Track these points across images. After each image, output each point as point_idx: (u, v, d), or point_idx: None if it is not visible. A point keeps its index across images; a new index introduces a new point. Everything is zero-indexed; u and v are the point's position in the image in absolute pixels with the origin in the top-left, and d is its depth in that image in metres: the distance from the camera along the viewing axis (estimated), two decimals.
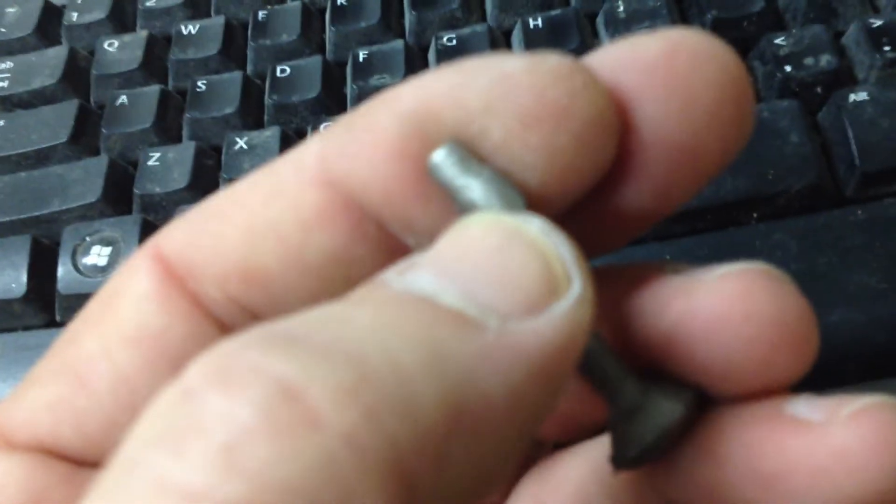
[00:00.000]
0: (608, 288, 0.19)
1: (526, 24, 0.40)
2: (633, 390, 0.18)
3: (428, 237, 0.18)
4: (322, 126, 0.39)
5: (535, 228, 0.16)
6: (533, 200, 0.18)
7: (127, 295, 0.20)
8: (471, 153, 0.17)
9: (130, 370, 0.19)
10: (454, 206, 0.18)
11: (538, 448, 0.25)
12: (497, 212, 0.17)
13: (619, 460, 0.18)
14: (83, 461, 0.20)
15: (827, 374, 0.33)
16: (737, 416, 0.18)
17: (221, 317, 0.20)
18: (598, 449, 0.22)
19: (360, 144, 0.18)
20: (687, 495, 0.19)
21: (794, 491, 0.17)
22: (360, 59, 0.41)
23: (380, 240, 0.19)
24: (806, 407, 0.18)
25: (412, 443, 0.13)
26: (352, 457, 0.13)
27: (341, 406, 0.13)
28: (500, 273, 0.16)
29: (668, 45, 0.18)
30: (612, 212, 0.19)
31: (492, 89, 0.17)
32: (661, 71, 0.18)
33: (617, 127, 0.18)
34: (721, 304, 0.18)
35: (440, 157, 0.17)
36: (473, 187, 0.17)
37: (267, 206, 0.19)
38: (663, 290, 0.19)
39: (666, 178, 0.18)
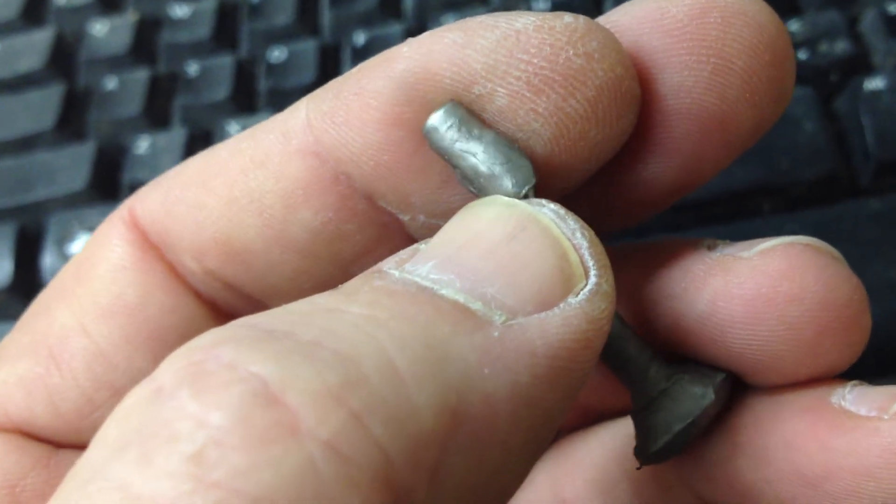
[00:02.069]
0: (634, 266, 0.18)
1: (529, 7, 0.39)
2: (658, 376, 0.17)
3: (424, 214, 0.17)
4: None
5: (550, 214, 0.15)
6: (541, 172, 0.16)
7: (101, 265, 0.19)
8: (472, 116, 0.16)
9: (107, 345, 0.18)
10: (455, 176, 0.16)
11: None
12: (509, 190, 0.16)
13: (644, 452, 0.17)
14: (59, 442, 0.19)
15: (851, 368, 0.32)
16: (775, 407, 0.17)
17: (201, 290, 0.19)
18: (621, 432, 0.21)
19: (349, 110, 0.16)
20: (718, 492, 0.18)
21: (838, 493, 0.16)
22: (359, 43, 0.40)
23: (370, 216, 0.18)
24: (854, 399, 0.16)
25: (404, 452, 0.12)
26: (335, 467, 0.11)
27: (324, 411, 0.12)
28: (509, 264, 0.14)
29: (699, 3, 0.16)
30: (631, 186, 0.18)
31: (498, 48, 0.15)
32: (689, 33, 0.16)
33: (637, 95, 0.16)
34: (763, 283, 0.16)
35: (437, 119, 0.16)
36: (476, 153, 0.16)
37: (248, 176, 0.17)
38: (697, 268, 0.17)
39: (693, 151, 0.17)
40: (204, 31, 0.42)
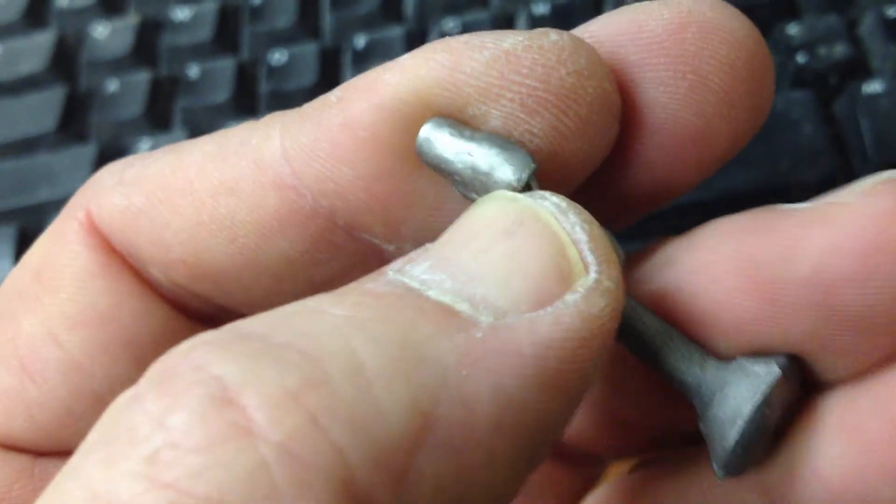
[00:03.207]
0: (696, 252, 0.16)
1: (529, 12, 0.39)
2: (715, 370, 0.16)
3: (412, 242, 0.17)
4: None
5: (551, 208, 0.14)
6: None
7: (66, 271, 0.18)
8: (461, 123, 0.15)
9: (82, 356, 0.18)
10: (454, 185, 0.16)
11: (593, 466, 0.22)
12: (510, 179, 0.15)
13: (720, 460, 0.16)
14: (41, 451, 0.18)
15: None
16: (864, 395, 0.15)
17: (171, 298, 0.19)
18: (686, 462, 0.19)
19: (335, 142, 0.16)
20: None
21: None
22: (359, 46, 0.40)
23: (349, 247, 0.17)
24: None
25: (367, 455, 0.12)
26: (287, 469, 0.11)
27: (279, 412, 0.12)
28: (503, 263, 0.14)
29: (677, 18, 0.16)
30: (608, 195, 0.17)
31: (490, 70, 0.15)
32: (666, 48, 0.16)
33: (620, 107, 0.16)
34: (878, 229, 0.14)
35: (429, 129, 0.15)
36: (471, 151, 0.15)
37: (218, 202, 0.17)
38: (788, 226, 0.15)
39: (669, 165, 0.17)
40: (205, 33, 0.42)
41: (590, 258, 0.14)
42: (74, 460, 0.12)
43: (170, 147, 0.18)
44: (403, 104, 0.15)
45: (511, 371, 0.13)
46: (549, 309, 0.14)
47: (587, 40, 0.16)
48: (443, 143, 0.15)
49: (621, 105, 0.16)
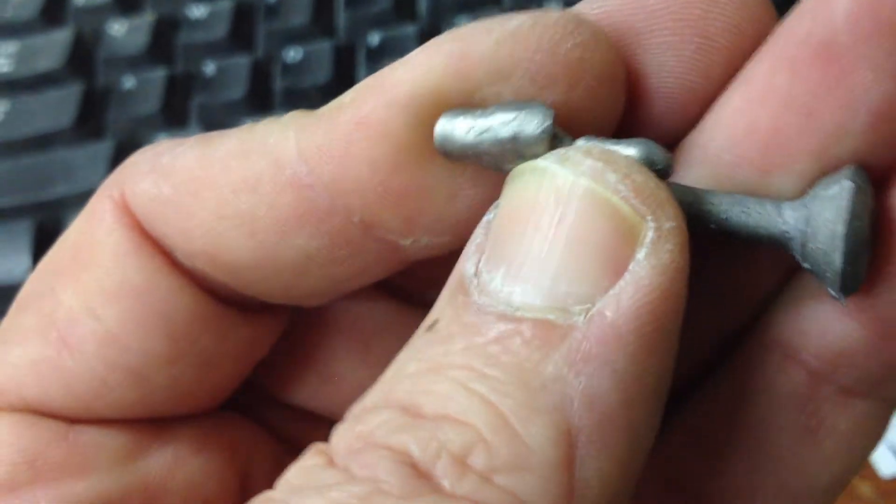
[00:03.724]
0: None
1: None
2: (793, 209, 0.16)
3: (428, 235, 0.17)
4: None
5: (587, 172, 0.15)
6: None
7: (102, 248, 0.19)
8: (470, 107, 0.16)
9: (117, 328, 0.18)
10: (486, 166, 0.16)
11: None
12: (535, 134, 0.15)
13: (837, 283, 0.16)
14: (75, 419, 0.19)
15: None
16: None
17: (198, 280, 0.19)
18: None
19: (351, 142, 0.16)
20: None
21: None
22: (373, 44, 0.40)
23: (366, 244, 0.18)
24: None
25: (538, 490, 0.14)
26: None
27: (455, 474, 0.14)
28: (570, 250, 0.14)
29: None
30: None
31: (499, 52, 0.16)
32: (672, 13, 0.16)
33: (626, 77, 0.17)
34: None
35: (445, 123, 0.16)
36: (490, 127, 0.16)
37: (240, 198, 0.17)
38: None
39: (680, 126, 0.17)
40: (221, 31, 0.42)
41: (642, 208, 0.15)
42: None
43: (200, 137, 0.19)
44: (415, 99, 0.16)
45: (618, 352, 0.14)
46: (626, 276, 0.14)
47: (598, 10, 0.17)
48: (461, 131, 0.16)
49: (627, 74, 0.17)
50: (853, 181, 0.15)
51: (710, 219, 0.16)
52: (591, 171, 0.15)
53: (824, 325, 0.17)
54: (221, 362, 0.20)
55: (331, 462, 0.14)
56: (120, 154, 0.39)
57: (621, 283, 0.14)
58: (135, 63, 0.42)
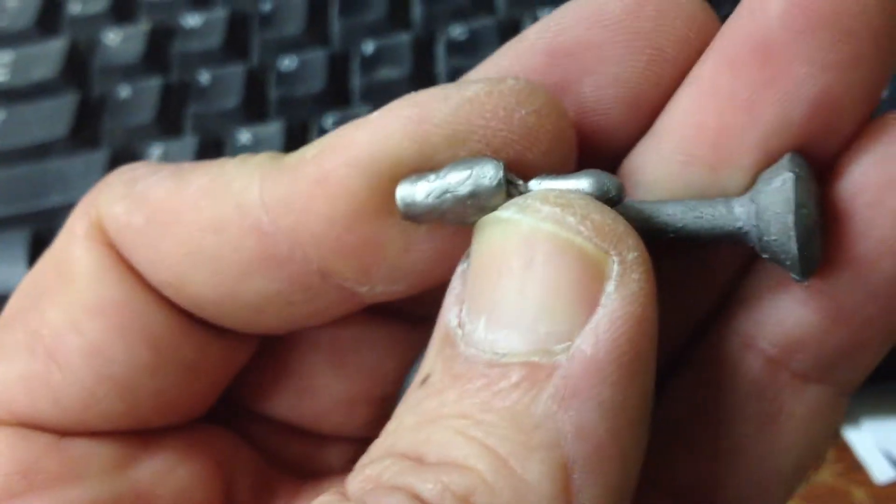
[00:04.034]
0: None
1: (535, 18, 0.39)
2: (742, 204, 0.17)
3: (383, 283, 0.18)
4: (326, 121, 0.39)
5: (547, 217, 0.16)
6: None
7: (80, 265, 0.19)
8: (427, 170, 0.17)
9: (102, 341, 0.19)
10: (452, 223, 0.17)
11: None
12: (492, 183, 0.16)
13: (797, 267, 0.16)
14: (65, 431, 0.19)
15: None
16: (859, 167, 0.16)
17: (169, 300, 0.20)
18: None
19: (311, 197, 0.17)
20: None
21: None
22: (367, 52, 0.40)
23: (323, 290, 0.18)
24: None
25: None
26: None
27: None
28: (543, 292, 0.15)
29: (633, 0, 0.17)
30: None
31: (455, 118, 0.16)
32: (625, 26, 0.17)
33: (576, 140, 0.18)
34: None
35: (406, 189, 0.17)
36: (448, 186, 0.16)
37: (205, 238, 0.18)
38: None
39: (633, 136, 0.18)
40: (215, 40, 0.42)
41: (604, 244, 0.15)
42: None
43: (175, 168, 0.19)
44: (374, 161, 0.17)
45: (601, 383, 0.15)
46: (600, 311, 0.15)
47: (555, 27, 0.18)
48: (421, 195, 0.17)
49: (576, 138, 0.18)
50: (793, 171, 0.16)
51: (667, 230, 0.17)
52: (551, 216, 0.15)
53: (779, 314, 0.18)
54: (203, 372, 0.20)
55: (345, 497, 0.15)
56: (115, 163, 0.39)
57: (596, 317, 0.15)
58: (130, 72, 0.43)
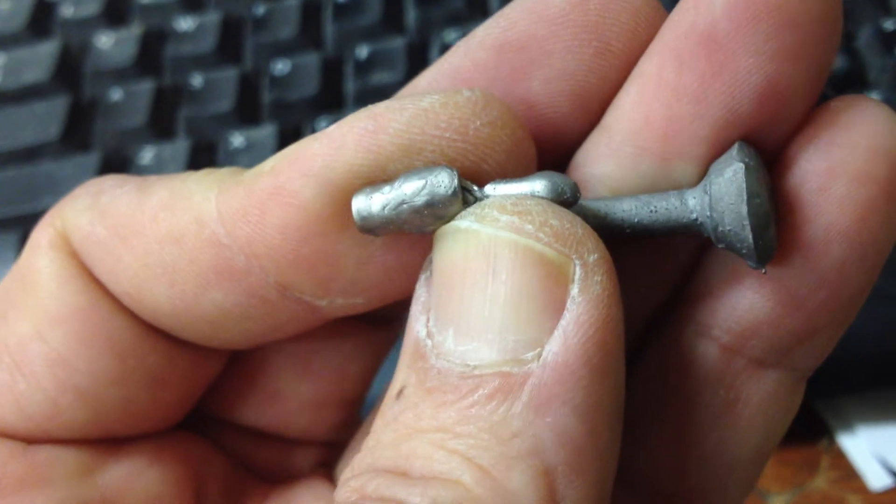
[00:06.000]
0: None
1: None
2: (695, 196, 0.17)
3: (342, 296, 0.18)
4: (319, 125, 0.39)
5: (505, 225, 0.16)
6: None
7: (44, 275, 0.19)
8: (382, 181, 0.17)
9: (65, 350, 0.19)
10: (410, 231, 0.17)
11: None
12: (447, 191, 0.16)
13: (754, 255, 0.17)
14: (30, 440, 0.19)
15: (838, 380, 0.32)
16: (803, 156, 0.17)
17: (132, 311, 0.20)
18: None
19: (265, 209, 0.17)
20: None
21: None
22: (361, 57, 0.40)
23: (281, 303, 0.18)
24: None
25: None
26: None
27: None
28: (508, 301, 0.15)
29: None
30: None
31: (410, 128, 0.17)
32: (572, 20, 0.18)
33: (534, 152, 0.18)
34: None
35: (360, 204, 0.17)
36: (405, 197, 0.16)
37: (164, 249, 0.18)
38: None
39: (581, 129, 0.18)
40: (208, 43, 0.42)
41: (564, 249, 0.15)
42: None
43: (141, 182, 0.19)
44: (329, 172, 0.17)
45: (574, 387, 0.15)
46: (566, 315, 0.15)
47: (504, 23, 0.18)
48: (377, 207, 0.16)
49: (534, 150, 0.18)
50: (743, 161, 0.16)
51: (624, 226, 0.17)
52: (509, 225, 0.15)
53: (732, 301, 0.18)
54: (171, 383, 0.20)
55: None
56: (106, 166, 0.39)
57: (563, 322, 0.15)
58: (122, 75, 0.42)
